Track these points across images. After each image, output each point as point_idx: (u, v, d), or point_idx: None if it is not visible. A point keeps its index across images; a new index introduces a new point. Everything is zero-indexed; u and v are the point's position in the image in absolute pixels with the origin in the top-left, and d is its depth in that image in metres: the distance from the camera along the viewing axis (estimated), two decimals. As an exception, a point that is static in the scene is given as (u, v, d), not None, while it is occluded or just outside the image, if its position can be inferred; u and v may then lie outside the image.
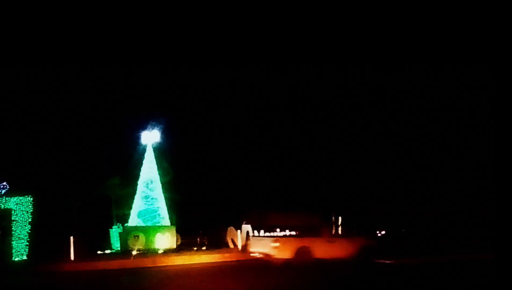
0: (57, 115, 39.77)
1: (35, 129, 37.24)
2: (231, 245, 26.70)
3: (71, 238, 24.77)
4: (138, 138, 35.81)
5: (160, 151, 36.08)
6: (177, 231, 34.54)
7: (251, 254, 22.27)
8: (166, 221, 34.92)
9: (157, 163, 35.66)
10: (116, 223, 36.21)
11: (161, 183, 35.39)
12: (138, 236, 32.88)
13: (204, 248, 32.11)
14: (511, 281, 12.90)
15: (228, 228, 27.26)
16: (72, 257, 24.23)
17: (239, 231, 27.03)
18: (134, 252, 30.23)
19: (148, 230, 33.21)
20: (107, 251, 32.86)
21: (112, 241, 34.96)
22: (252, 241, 23.09)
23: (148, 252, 30.29)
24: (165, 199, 35.26)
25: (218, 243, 32.38)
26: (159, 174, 35.52)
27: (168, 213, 35.20)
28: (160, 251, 30.34)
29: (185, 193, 37.13)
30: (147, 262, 25.28)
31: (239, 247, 26.52)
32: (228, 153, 41.40)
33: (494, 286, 12.97)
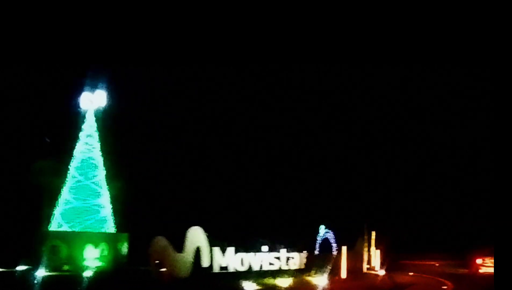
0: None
1: None
2: (156, 268, 14.24)
3: None
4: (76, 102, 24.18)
5: (108, 121, 24.46)
6: (135, 240, 22.87)
7: None
8: (109, 226, 23.22)
9: (100, 139, 23.92)
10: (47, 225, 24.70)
11: (106, 168, 23.67)
12: (57, 247, 21.53)
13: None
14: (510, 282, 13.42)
15: (155, 240, 14.79)
16: None
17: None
18: (39, 273, 18.70)
19: (74, 239, 22.16)
20: (21, 267, 21.11)
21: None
22: None
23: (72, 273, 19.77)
24: (110, 192, 23.60)
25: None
26: (103, 155, 23.79)
27: (114, 213, 23.43)
28: (89, 273, 18.97)
29: (144, 184, 25.18)
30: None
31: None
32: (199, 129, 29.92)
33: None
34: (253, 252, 16.88)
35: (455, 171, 40.21)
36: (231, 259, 16.22)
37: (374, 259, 22.38)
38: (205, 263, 15.47)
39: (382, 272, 21.17)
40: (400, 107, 46.81)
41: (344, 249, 19.41)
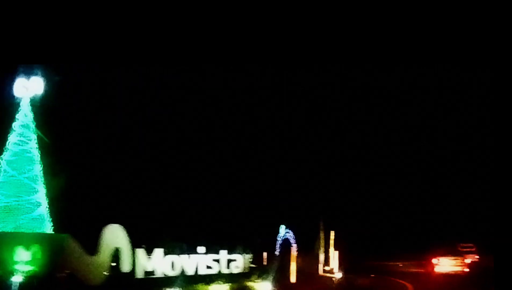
0: None
1: None
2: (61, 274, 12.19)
3: None
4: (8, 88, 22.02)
5: (46, 110, 22.61)
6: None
7: None
8: (47, 225, 21.11)
9: (36, 130, 22.00)
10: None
11: (41, 163, 21.76)
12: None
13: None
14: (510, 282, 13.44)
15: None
16: None
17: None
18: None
19: (2, 240, 19.60)
20: None
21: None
22: None
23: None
24: (47, 188, 21.58)
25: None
26: (38, 147, 21.89)
27: (51, 212, 21.43)
28: (18, 278, 16.96)
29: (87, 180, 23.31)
30: None
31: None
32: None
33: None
34: (187, 254, 14.99)
35: (420, 170, 39.59)
36: (158, 262, 14.28)
37: (332, 261, 20.61)
38: (125, 267, 13.51)
39: (339, 275, 19.39)
40: (359, 104, 46.33)
41: (294, 250, 17.57)
